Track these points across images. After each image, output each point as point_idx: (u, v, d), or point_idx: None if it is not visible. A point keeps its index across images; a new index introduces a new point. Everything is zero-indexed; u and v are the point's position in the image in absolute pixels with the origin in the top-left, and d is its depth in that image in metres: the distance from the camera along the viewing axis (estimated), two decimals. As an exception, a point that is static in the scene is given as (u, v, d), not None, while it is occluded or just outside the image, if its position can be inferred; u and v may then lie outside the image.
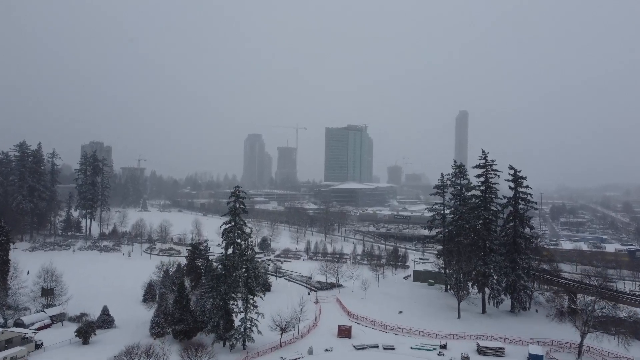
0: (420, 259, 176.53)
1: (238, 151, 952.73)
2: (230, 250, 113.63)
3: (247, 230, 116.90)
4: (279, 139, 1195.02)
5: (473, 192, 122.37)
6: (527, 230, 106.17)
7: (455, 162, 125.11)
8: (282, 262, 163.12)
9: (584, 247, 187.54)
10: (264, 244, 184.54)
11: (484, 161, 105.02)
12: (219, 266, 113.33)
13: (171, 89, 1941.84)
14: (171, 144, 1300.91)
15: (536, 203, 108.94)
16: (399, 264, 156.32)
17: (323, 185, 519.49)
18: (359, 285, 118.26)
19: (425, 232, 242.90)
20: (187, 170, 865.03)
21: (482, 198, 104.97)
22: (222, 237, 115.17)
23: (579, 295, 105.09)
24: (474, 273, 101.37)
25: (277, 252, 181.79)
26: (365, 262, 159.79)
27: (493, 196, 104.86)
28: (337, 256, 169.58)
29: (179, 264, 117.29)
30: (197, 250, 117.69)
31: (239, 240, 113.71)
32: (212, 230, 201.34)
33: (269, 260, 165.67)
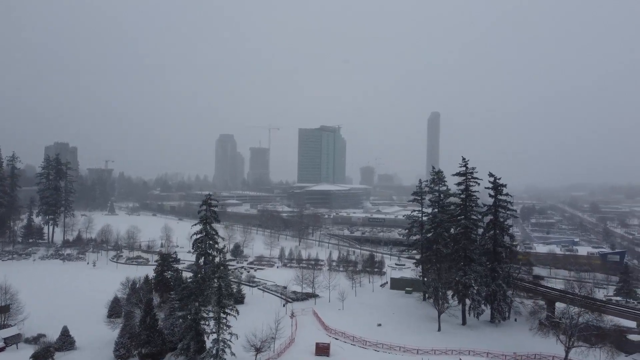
0: (396, 264, 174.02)
1: (210, 151, 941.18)
2: (201, 261, 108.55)
3: (220, 242, 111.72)
4: (252, 139, 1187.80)
5: (452, 199, 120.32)
6: (507, 238, 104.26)
7: (433, 168, 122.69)
8: (255, 270, 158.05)
9: (557, 250, 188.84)
10: (237, 251, 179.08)
11: (464, 168, 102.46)
12: (190, 279, 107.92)
13: (143, 87, 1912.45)
14: (141, 143, 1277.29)
15: (516, 211, 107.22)
16: (376, 270, 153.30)
17: (296, 186, 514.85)
18: (335, 295, 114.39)
19: (401, 235, 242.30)
20: (157, 170, 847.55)
21: (462, 206, 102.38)
22: (192, 248, 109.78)
23: (557, 304, 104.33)
24: (454, 283, 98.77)
25: (250, 259, 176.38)
26: (341, 269, 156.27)
27: (473, 204, 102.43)
28: (312, 262, 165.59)
29: (147, 277, 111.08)
30: (166, 261, 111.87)
31: (210, 251, 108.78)
32: (183, 236, 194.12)
33: (242, 268, 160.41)
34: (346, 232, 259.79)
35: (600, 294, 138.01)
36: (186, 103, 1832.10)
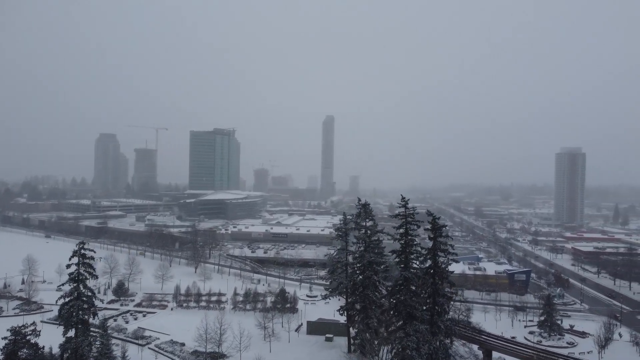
0: (308, 296, 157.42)
1: (88, 152, 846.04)
2: (72, 333, 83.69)
3: (98, 305, 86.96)
4: (138, 140, 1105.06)
5: (379, 235, 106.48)
6: (447, 286, 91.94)
7: (359, 200, 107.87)
8: (144, 315, 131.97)
9: (466, 269, 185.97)
10: (121, 290, 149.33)
11: (403, 209, 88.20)
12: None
13: (8, 81, 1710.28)
14: (6, 142, 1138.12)
15: (457, 254, 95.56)
16: (288, 306, 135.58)
17: (188, 194, 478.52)
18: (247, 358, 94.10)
19: (308, 254, 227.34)
20: (24, 173, 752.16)
21: (401, 253, 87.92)
22: (59, 315, 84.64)
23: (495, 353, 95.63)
24: (393, 345, 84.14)
25: (137, 299, 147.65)
26: (249, 308, 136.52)
27: (414, 250, 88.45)
28: (214, 299, 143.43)
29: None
30: (21, 336, 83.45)
31: (86, 317, 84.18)
32: (53, 267, 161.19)
33: (128, 312, 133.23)
34: (247, 251, 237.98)
35: (520, 324, 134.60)
36: (63, 99, 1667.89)
